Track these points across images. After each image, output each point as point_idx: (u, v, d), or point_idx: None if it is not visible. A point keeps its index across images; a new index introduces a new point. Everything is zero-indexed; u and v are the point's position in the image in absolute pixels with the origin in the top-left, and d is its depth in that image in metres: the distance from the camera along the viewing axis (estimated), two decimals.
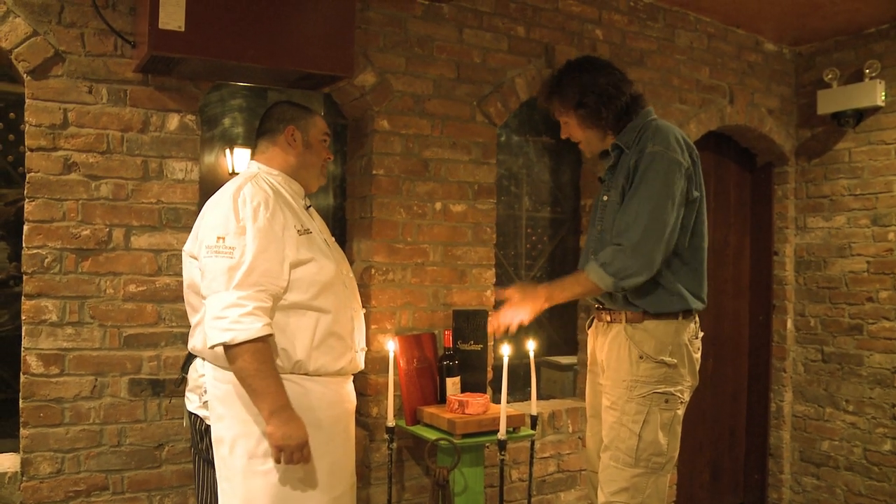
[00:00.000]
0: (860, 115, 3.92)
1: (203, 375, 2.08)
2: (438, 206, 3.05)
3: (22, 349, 2.35)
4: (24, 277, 2.35)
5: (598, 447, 2.44)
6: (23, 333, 2.35)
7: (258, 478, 1.99)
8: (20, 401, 2.36)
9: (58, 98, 2.38)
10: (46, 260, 2.37)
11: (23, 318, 2.35)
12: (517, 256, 3.71)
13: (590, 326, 2.54)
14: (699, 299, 2.34)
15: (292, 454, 1.93)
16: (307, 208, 2.23)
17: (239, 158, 3.97)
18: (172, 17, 2.20)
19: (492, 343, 3.13)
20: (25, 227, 2.35)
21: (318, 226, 2.23)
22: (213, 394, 2.04)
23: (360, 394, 2.90)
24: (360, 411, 2.91)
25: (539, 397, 3.16)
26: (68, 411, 2.40)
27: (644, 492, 2.26)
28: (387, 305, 2.94)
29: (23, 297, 2.35)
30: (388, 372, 2.77)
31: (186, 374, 2.18)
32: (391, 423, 2.73)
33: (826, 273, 4.13)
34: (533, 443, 3.02)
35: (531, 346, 2.92)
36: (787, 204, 4.30)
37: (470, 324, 3.01)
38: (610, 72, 2.40)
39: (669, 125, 2.34)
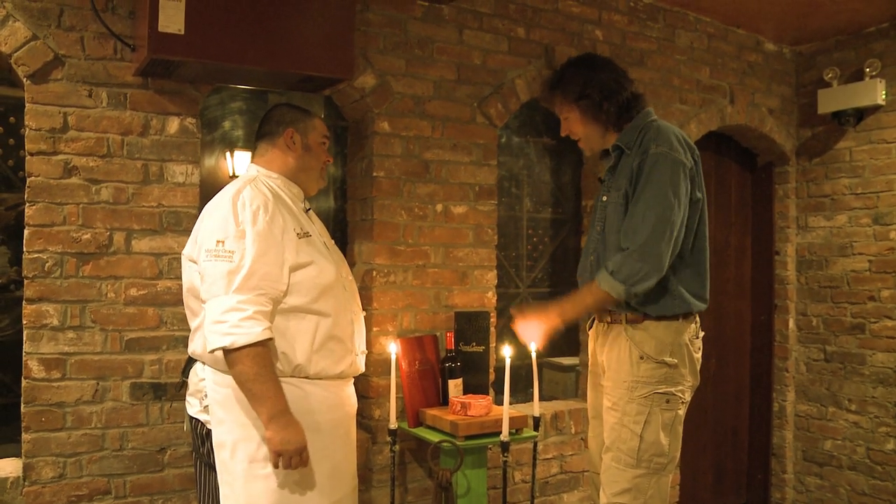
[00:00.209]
0: (861, 114, 3.92)
1: (203, 379, 2.08)
2: (439, 207, 3.05)
3: (23, 354, 2.35)
4: (25, 282, 2.35)
5: (600, 448, 2.44)
6: (24, 338, 2.35)
7: (259, 482, 1.98)
8: (22, 405, 2.35)
9: (58, 102, 2.38)
10: (47, 264, 2.36)
11: (24, 322, 2.35)
12: (518, 258, 3.70)
13: (590, 327, 2.53)
14: (701, 300, 2.34)
15: (290, 459, 1.92)
16: (307, 211, 2.23)
17: (239, 161, 3.96)
18: (172, 20, 2.20)
19: (493, 345, 3.13)
20: (26, 232, 2.35)
21: (317, 229, 2.23)
22: (213, 398, 2.04)
23: (363, 396, 2.90)
24: (362, 414, 2.91)
25: (541, 398, 3.15)
26: (70, 416, 2.40)
27: (646, 493, 2.25)
28: (388, 308, 2.94)
29: (24, 302, 2.35)
30: (390, 374, 2.77)
31: (187, 378, 2.17)
32: (393, 425, 2.73)
33: (828, 272, 4.13)
34: (536, 444, 3.01)
35: (533, 347, 2.91)
36: (788, 203, 4.29)
37: (472, 325, 3.01)
38: (612, 68, 2.43)
39: (670, 126, 2.34)
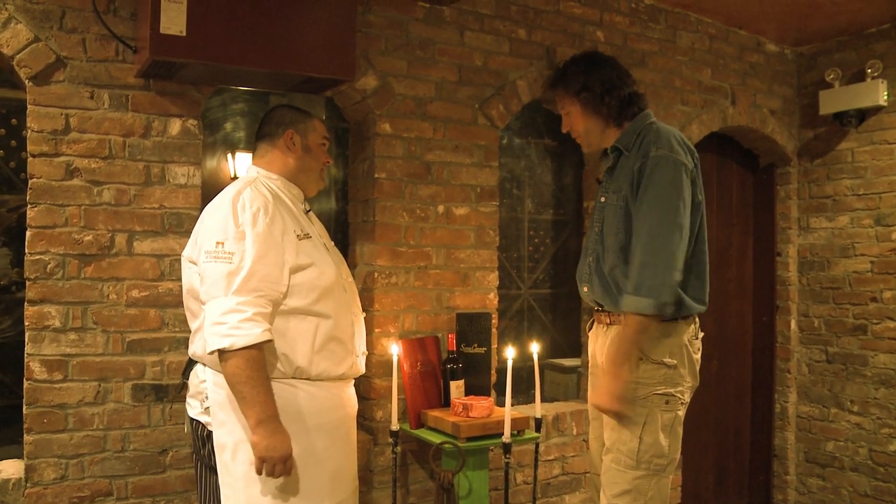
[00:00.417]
0: (862, 115, 3.91)
1: (204, 381, 2.08)
2: (441, 209, 3.05)
3: (25, 355, 2.35)
4: (27, 283, 2.35)
5: (600, 450, 2.44)
6: (26, 339, 2.35)
7: (260, 483, 1.98)
8: (24, 407, 2.36)
9: (60, 104, 2.38)
10: (49, 266, 2.37)
11: (26, 323, 2.35)
12: (520, 259, 3.71)
13: (590, 329, 2.53)
14: (701, 303, 2.33)
15: (274, 466, 1.91)
16: (307, 212, 2.23)
17: (241, 163, 3.97)
18: (174, 21, 2.20)
19: (495, 346, 3.13)
20: (28, 233, 2.35)
21: (317, 230, 2.23)
22: (214, 399, 2.04)
23: (364, 397, 2.90)
24: (363, 415, 2.91)
25: (543, 400, 3.15)
26: (72, 417, 2.40)
27: (646, 494, 2.25)
28: (390, 309, 2.94)
29: (25, 303, 2.35)
30: (391, 375, 2.77)
31: (187, 379, 2.17)
32: (395, 426, 2.73)
33: (829, 273, 4.12)
34: (537, 445, 3.01)
35: (535, 348, 2.91)
36: (789, 204, 4.29)
37: (473, 327, 3.01)
38: (614, 65, 2.44)
39: (670, 128, 2.34)
